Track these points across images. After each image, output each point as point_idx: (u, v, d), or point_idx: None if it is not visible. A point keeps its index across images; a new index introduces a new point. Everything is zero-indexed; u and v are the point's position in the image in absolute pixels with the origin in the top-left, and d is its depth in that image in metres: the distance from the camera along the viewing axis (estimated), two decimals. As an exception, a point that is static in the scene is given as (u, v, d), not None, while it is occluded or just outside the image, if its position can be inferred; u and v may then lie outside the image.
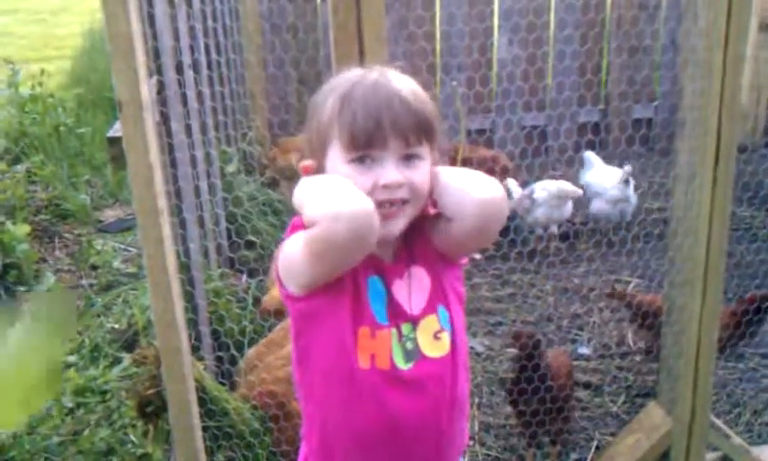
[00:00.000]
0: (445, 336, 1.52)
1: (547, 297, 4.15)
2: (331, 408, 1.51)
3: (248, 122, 5.16)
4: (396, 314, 1.49)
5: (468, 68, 5.99)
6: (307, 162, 1.47)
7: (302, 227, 1.44)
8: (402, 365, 1.48)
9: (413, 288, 1.51)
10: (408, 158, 1.43)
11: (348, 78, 1.45)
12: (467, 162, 4.32)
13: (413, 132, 1.41)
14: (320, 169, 1.46)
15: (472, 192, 1.45)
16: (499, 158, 4.96)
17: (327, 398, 1.51)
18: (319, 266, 1.38)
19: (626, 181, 4.57)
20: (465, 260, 1.62)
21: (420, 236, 1.54)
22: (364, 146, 1.39)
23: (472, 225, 1.45)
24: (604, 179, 4.72)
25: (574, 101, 6.17)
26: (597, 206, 4.70)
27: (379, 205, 1.38)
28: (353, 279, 1.46)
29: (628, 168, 4.60)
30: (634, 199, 4.67)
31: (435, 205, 1.50)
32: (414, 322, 1.50)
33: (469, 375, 1.67)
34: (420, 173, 1.44)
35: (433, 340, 1.51)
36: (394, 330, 1.48)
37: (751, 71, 5.70)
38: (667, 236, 2.59)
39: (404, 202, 1.43)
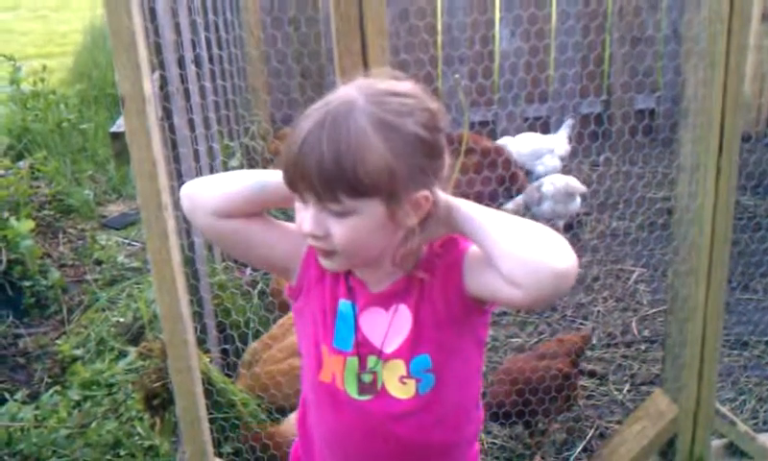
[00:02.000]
0: (412, 383, 1.42)
1: (551, 287, 4.15)
2: (310, 403, 1.57)
3: (250, 116, 5.16)
4: (362, 344, 1.44)
5: (471, 60, 5.99)
6: None
7: None
8: (355, 396, 1.45)
9: (393, 325, 1.42)
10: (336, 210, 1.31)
11: (309, 111, 1.32)
12: (470, 153, 4.33)
13: (323, 188, 1.27)
14: None
15: (545, 259, 1.23)
16: (502, 150, 4.96)
17: (307, 394, 1.57)
18: None
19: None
20: (488, 307, 1.45)
21: (440, 274, 1.40)
22: (291, 190, 1.34)
23: (535, 296, 1.25)
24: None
25: (577, 92, 6.16)
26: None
27: None
28: (327, 296, 1.47)
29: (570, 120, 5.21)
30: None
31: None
32: (381, 357, 1.43)
33: (468, 424, 1.56)
34: (346, 228, 1.30)
35: (398, 383, 1.43)
36: (352, 358, 1.44)
37: (754, 61, 5.69)
38: (671, 226, 2.59)
39: (328, 253, 1.35)
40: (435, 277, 1.40)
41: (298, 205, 1.35)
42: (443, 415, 1.47)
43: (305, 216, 1.32)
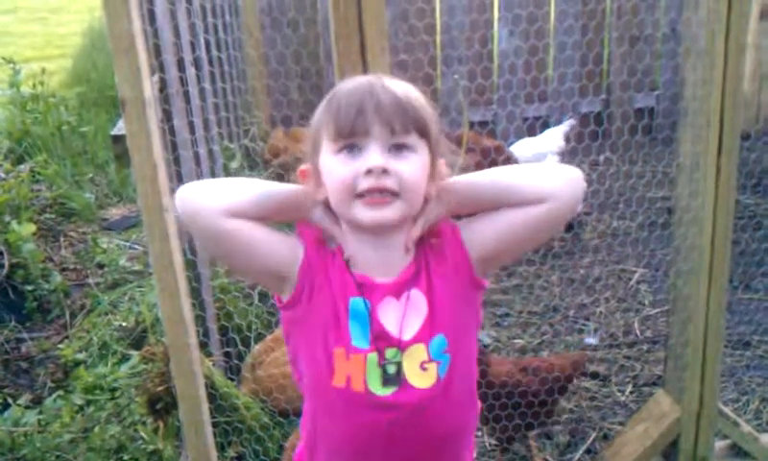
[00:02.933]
0: (433, 368, 1.44)
1: (553, 287, 4.16)
2: (316, 411, 1.54)
3: (250, 118, 5.16)
4: (380, 337, 1.43)
5: (470, 60, 5.99)
6: (304, 167, 1.47)
7: (306, 230, 1.49)
8: (379, 391, 1.44)
9: (408, 312, 1.44)
10: (398, 149, 1.37)
11: (344, 82, 1.44)
12: (470, 153, 4.33)
13: (398, 118, 1.35)
14: (315, 171, 1.44)
15: (557, 169, 1.47)
16: (503, 149, 4.95)
17: (312, 402, 1.54)
18: None
19: None
20: (487, 282, 1.53)
21: (445, 250, 1.48)
22: (348, 134, 1.36)
23: (565, 198, 1.44)
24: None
25: (576, 91, 6.16)
26: None
27: (365, 193, 1.36)
28: (336, 299, 1.45)
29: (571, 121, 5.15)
30: None
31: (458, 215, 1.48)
32: (400, 347, 1.43)
33: (474, 405, 1.58)
34: (411, 165, 1.37)
35: (419, 370, 1.44)
36: (372, 354, 1.43)
37: (753, 59, 5.68)
38: (672, 225, 2.59)
39: (393, 194, 1.37)
40: (442, 256, 1.47)
41: (343, 159, 1.38)
42: (456, 397, 1.49)
43: (369, 156, 1.36)
